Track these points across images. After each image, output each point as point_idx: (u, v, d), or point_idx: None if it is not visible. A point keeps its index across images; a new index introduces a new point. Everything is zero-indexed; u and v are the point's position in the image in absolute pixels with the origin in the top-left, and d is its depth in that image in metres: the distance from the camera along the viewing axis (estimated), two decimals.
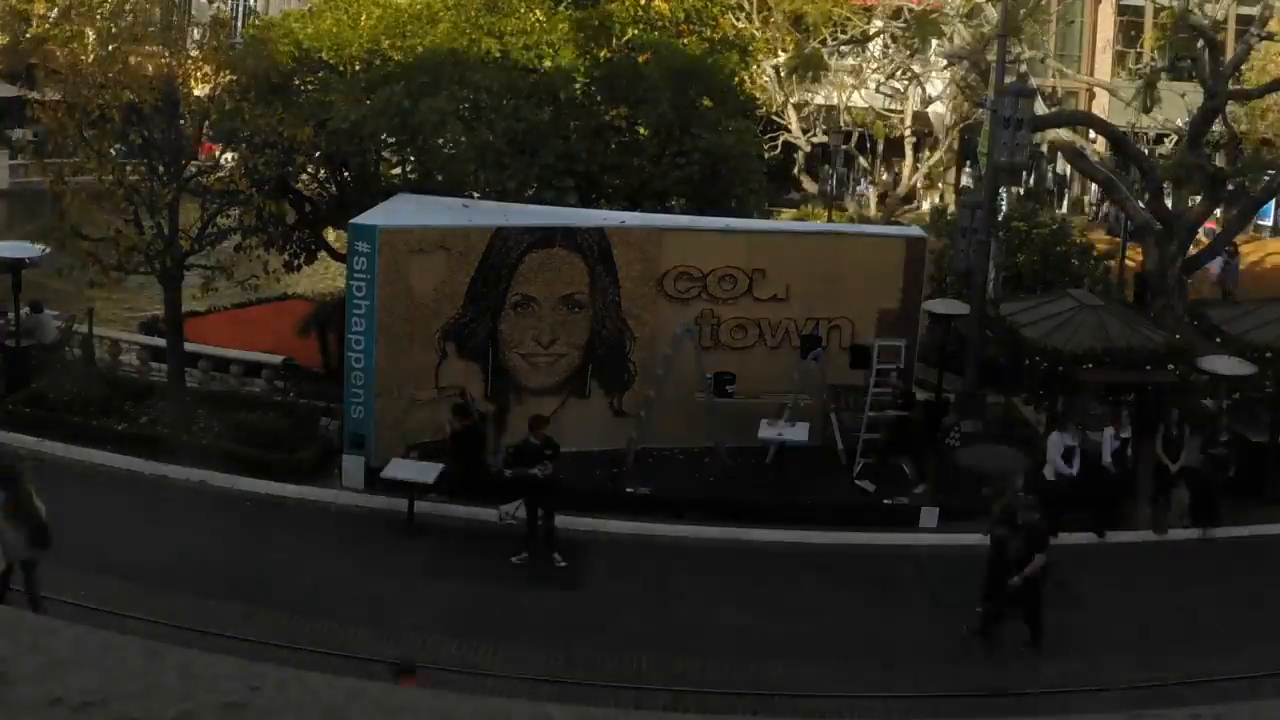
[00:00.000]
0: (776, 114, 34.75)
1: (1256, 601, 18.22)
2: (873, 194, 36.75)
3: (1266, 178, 25.92)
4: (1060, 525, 18.33)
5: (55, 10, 38.78)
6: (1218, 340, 22.02)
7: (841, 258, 21.64)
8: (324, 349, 24.43)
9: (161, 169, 20.25)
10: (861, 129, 36.54)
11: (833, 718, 15.21)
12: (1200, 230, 26.60)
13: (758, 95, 30.39)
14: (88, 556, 17.06)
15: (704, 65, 22.83)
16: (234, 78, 20.56)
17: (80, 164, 20.24)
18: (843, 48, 34.94)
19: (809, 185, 37.19)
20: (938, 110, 37.41)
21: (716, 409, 20.69)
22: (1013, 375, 22.30)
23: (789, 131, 35.60)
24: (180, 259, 20.59)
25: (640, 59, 22.55)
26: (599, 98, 22.58)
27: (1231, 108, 27.89)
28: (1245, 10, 30.63)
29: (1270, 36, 26.73)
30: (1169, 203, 27.06)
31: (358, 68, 22.50)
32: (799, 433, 20.27)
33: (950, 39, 28.43)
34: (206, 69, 19.95)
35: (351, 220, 20.07)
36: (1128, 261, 29.60)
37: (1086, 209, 41.97)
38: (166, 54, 20.47)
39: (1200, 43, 25.80)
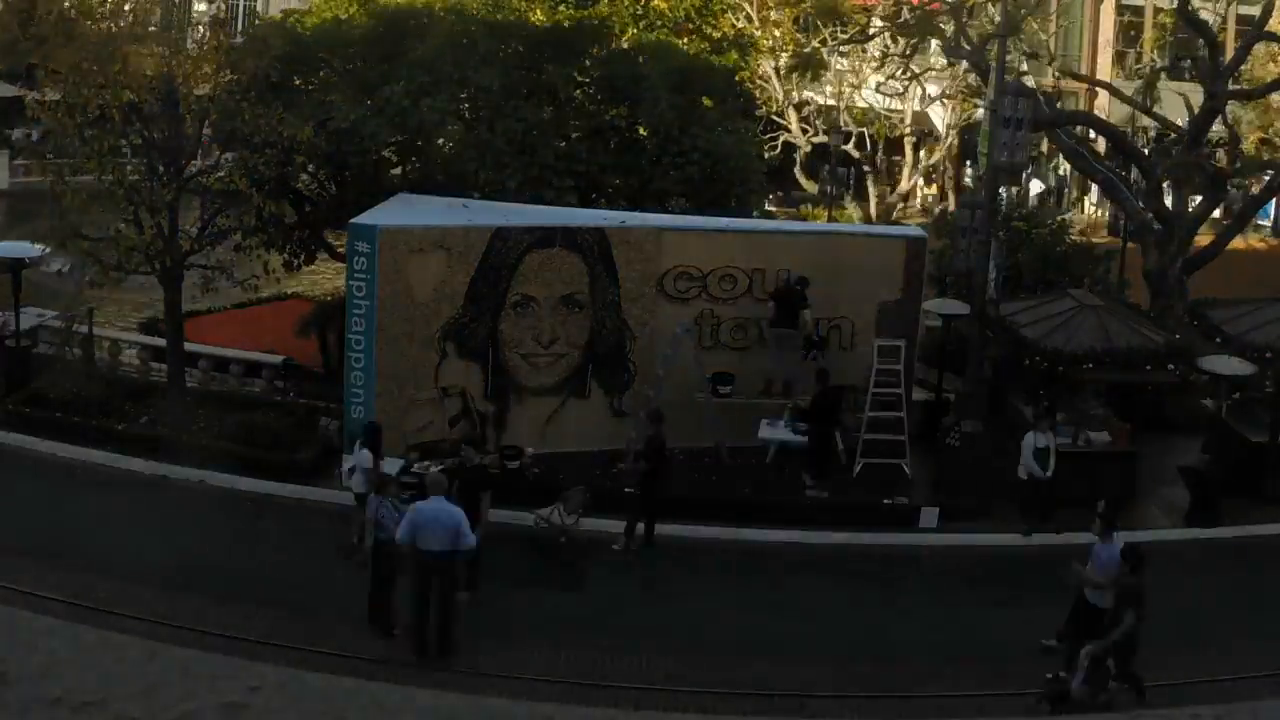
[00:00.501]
0: (777, 114, 34.75)
1: (1256, 602, 18.22)
2: (873, 194, 36.75)
3: (1266, 178, 25.92)
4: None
5: (55, 10, 38.79)
6: (1218, 340, 22.02)
7: (841, 257, 21.64)
8: (324, 349, 24.44)
9: (161, 169, 20.25)
10: (862, 129, 36.55)
11: (833, 718, 15.20)
12: None
13: (758, 95, 30.40)
14: (87, 556, 17.08)
15: (704, 65, 22.84)
16: (234, 77, 20.56)
17: (80, 164, 20.23)
18: (843, 48, 34.94)
19: (808, 185, 37.19)
20: (938, 110, 37.44)
21: (717, 409, 20.70)
22: (1010, 375, 22.33)
23: (789, 131, 35.61)
24: (180, 259, 20.59)
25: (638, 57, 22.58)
26: (599, 98, 22.58)
27: (1231, 107, 27.88)
28: (1245, 10, 30.64)
29: (1271, 37, 26.73)
30: (1169, 202, 27.08)
31: (361, 64, 22.48)
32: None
33: (952, 39, 28.44)
34: (206, 69, 19.93)
35: (351, 220, 20.07)
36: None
37: (1086, 209, 41.95)
38: (166, 54, 20.46)
39: (1200, 42, 25.81)
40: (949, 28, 28.33)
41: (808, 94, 34.04)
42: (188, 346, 22.62)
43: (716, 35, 25.39)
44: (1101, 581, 14.97)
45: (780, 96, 34.35)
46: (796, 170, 36.45)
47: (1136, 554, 14.70)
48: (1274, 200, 33.93)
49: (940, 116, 38.27)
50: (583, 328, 20.93)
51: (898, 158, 38.65)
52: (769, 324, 21.04)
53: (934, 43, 30.84)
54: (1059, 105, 33.26)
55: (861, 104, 36.03)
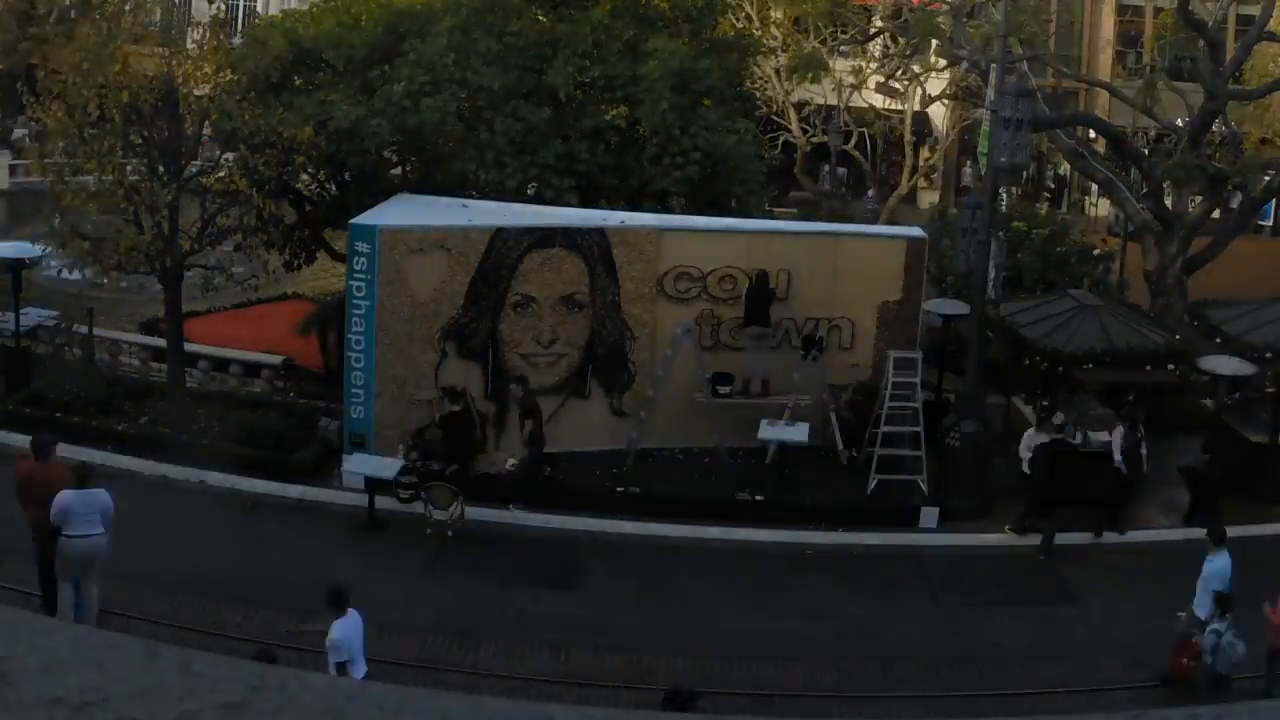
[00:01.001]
0: (777, 114, 34.75)
1: (1256, 602, 18.20)
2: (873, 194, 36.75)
3: (1266, 178, 25.92)
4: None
5: (55, 10, 38.82)
6: (1218, 340, 22.02)
7: (841, 257, 21.64)
8: (324, 349, 24.43)
9: (161, 169, 20.25)
10: (862, 129, 36.54)
11: (833, 718, 15.21)
12: None
13: (758, 95, 30.38)
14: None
15: (704, 65, 22.82)
16: (234, 78, 20.55)
17: (80, 164, 20.23)
18: (843, 48, 34.92)
19: (807, 186, 37.17)
20: (938, 110, 37.42)
21: (717, 409, 20.71)
22: (1013, 375, 22.33)
23: (789, 131, 35.61)
24: (180, 259, 20.59)
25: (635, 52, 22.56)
26: (599, 98, 22.56)
27: (1231, 107, 27.89)
28: (1245, 10, 30.64)
29: (1271, 37, 26.74)
30: (1169, 203, 27.09)
31: (360, 58, 22.45)
32: (799, 433, 20.25)
33: (951, 41, 28.44)
34: (206, 69, 19.93)
35: (351, 220, 20.08)
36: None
37: (1086, 209, 41.94)
38: (166, 54, 20.46)
39: (1200, 42, 25.81)
40: (948, 29, 28.33)
41: (808, 94, 34.00)
42: (188, 347, 22.61)
43: (716, 36, 25.35)
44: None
45: (780, 97, 34.36)
46: (796, 170, 36.47)
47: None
48: (1274, 200, 33.94)
49: (941, 117, 38.27)
50: (583, 328, 20.93)
51: (898, 158, 38.64)
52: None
53: (934, 42, 30.82)
54: (1064, 106, 33.28)
55: (861, 104, 36.01)
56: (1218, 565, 15.80)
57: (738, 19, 31.90)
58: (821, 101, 34.65)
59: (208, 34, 20.65)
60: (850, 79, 34.07)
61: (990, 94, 24.29)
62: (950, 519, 19.95)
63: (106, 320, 25.92)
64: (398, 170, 23.46)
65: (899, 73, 33.41)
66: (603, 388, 21.15)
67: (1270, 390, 21.70)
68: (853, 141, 35.20)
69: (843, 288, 21.46)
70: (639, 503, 19.73)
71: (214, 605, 16.07)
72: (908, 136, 35.67)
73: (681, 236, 21.15)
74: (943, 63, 31.97)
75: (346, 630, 13.16)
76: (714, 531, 19.36)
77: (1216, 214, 27.18)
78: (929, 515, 19.93)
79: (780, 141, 34.33)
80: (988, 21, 27.62)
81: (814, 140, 35.49)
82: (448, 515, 18.35)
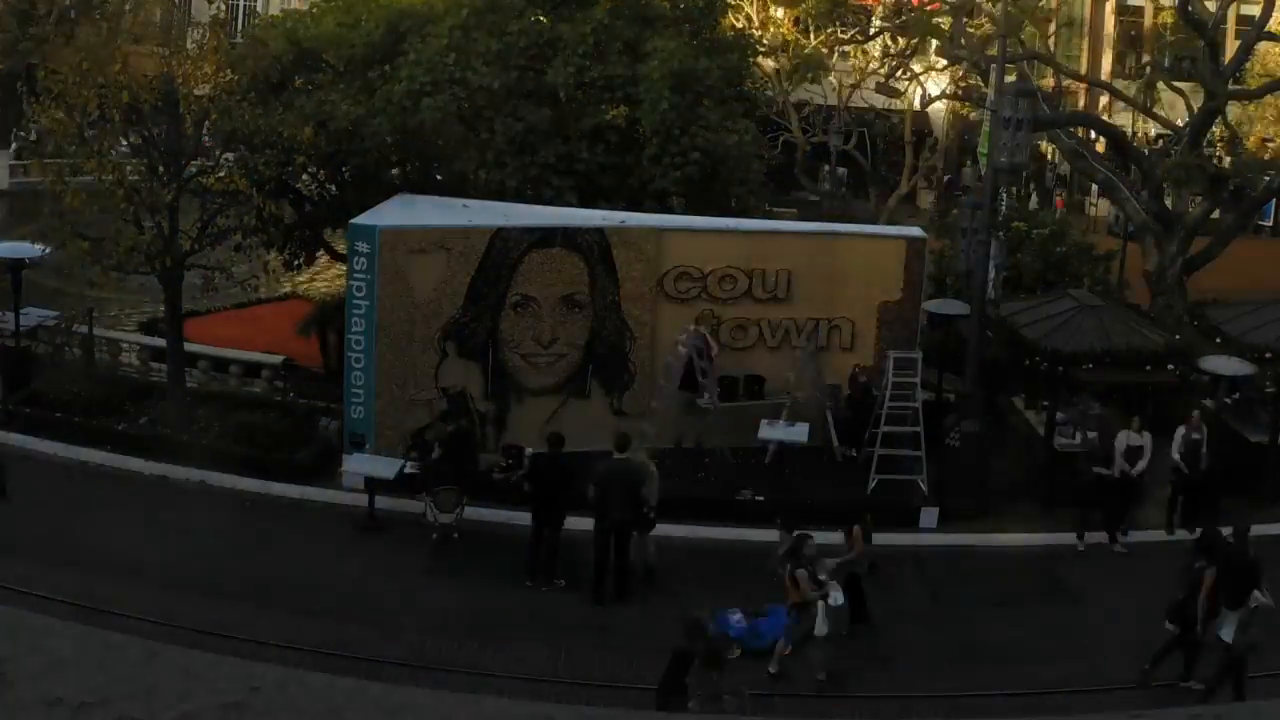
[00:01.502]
0: (777, 114, 34.75)
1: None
2: (873, 195, 36.71)
3: (1266, 178, 25.92)
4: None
5: (55, 10, 38.80)
6: (1218, 340, 22.02)
7: (841, 257, 21.63)
8: (324, 349, 24.43)
9: (161, 169, 20.24)
10: (862, 129, 36.54)
11: (833, 718, 15.20)
12: None
13: (757, 95, 30.39)
14: (87, 556, 17.09)
15: (704, 65, 22.82)
16: (234, 78, 20.55)
17: (80, 164, 20.22)
18: (843, 48, 34.91)
19: (807, 185, 37.15)
20: (938, 110, 37.41)
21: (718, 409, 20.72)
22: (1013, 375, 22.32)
23: (789, 131, 35.61)
24: (180, 259, 20.59)
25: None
26: (599, 98, 22.56)
27: (1231, 107, 27.89)
28: (1246, 10, 30.64)
29: (1271, 37, 26.73)
30: (1169, 203, 27.09)
31: (360, 58, 22.44)
32: (799, 433, 20.25)
33: (950, 42, 28.44)
34: (206, 69, 19.93)
35: (351, 220, 20.07)
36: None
37: (1086, 209, 41.93)
38: (166, 54, 20.45)
39: (1200, 42, 25.81)
40: (948, 29, 28.33)
41: (807, 94, 34.00)
42: (187, 347, 22.61)
43: (717, 36, 25.35)
44: None
45: (780, 97, 34.35)
46: (796, 170, 36.45)
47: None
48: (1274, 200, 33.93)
49: (940, 117, 38.28)
50: (583, 328, 20.92)
51: (898, 159, 38.61)
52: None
53: (934, 43, 30.82)
54: (1061, 107, 33.24)
55: (861, 104, 36.01)
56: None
57: (738, 19, 31.89)
58: (821, 101, 34.63)
59: (208, 34, 20.64)
60: (850, 79, 34.05)
61: (990, 94, 24.28)
62: (950, 519, 19.95)
63: (106, 320, 25.96)
64: (398, 170, 23.45)
65: (899, 73, 33.39)
66: (603, 388, 21.15)
67: (1270, 390, 21.69)
68: (853, 141, 35.17)
69: (843, 288, 21.46)
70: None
71: (214, 605, 16.06)
72: (908, 136, 35.66)
73: (681, 236, 21.14)
74: (943, 63, 31.95)
75: None
76: (714, 531, 19.36)
77: (1216, 214, 27.17)
78: (929, 515, 19.92)
79: (780, 141, 34.30)
80: (988, 21, 27.62)
81: (814, 140, 35.48)
82: (453, 518, 18.35)
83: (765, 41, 31.96)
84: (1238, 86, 27.76)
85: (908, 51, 32.99)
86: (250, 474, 19.84)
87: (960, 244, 23.56)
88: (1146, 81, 26.49)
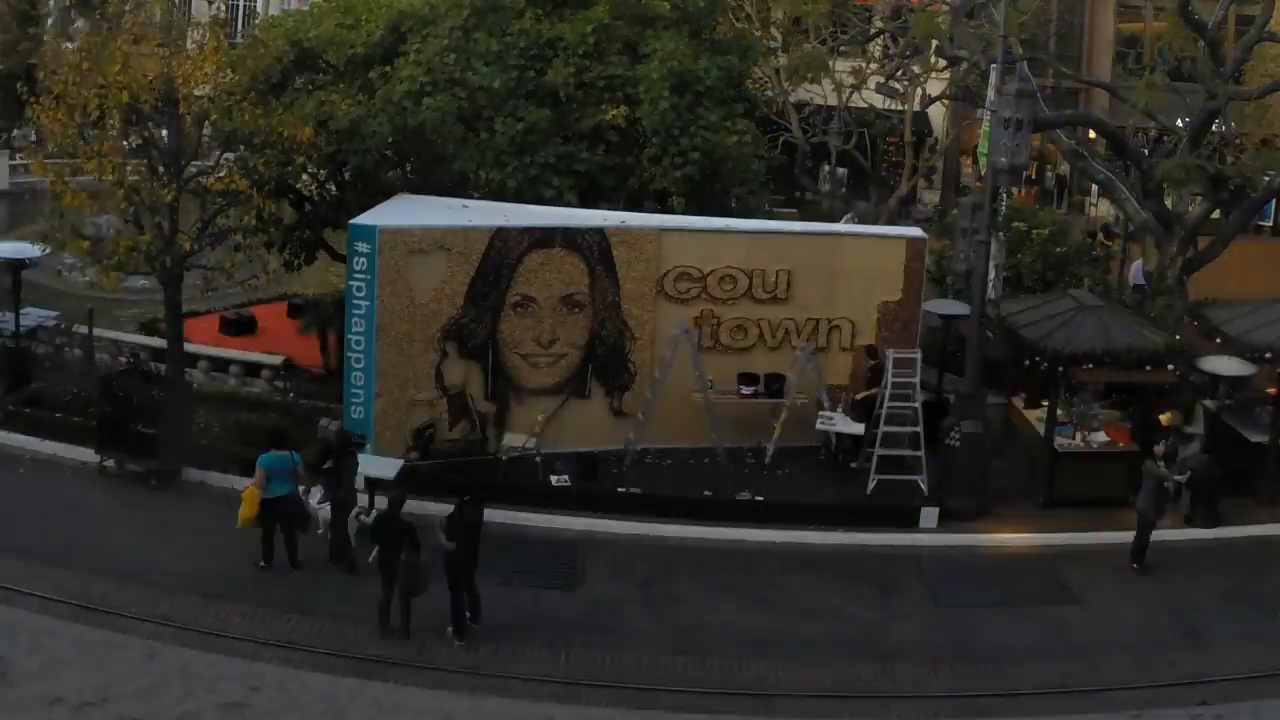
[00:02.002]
0: (777, 114, 34.71)
1: (1256, 602, 18.23)
2: (873, 195, 36.66)
3: (1266, 178, 25.89)
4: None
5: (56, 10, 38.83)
6: (1218, 340, 22.02)
7: (841, 258, 21.64)
8: (324, 349, 24.44)
9: (161, 169, 20.24)
10: (862, 129, 36.48)
11: (833, 718, 15.21)
12: None
13: (757, 95, 30.35)
14: (88, 557, 17.09)
15: (704, 65, 22.81)
16: (234, 78, 20.54)
17: (80, 164, 20.22)
18: (842, 48, 34.85)
19: (807, 186, 37.10)
20: (938, 110, 37.34)
21: (717, 409, 20.73)
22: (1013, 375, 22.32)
23: (789, 131, 35.54)
24: (180, 259, 20.59)
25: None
26: (599, 98, 22.53)
27: (1231, 107, 27.83)
28: (1246, 10, 30.60)
29: (1272, 37, 26.71)
30: (1169, 203, 27.05)
31: (360, 58, 22.43)
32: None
33: (951, 40, 28.38)
34: (207, 69, 19.92)
35: (351, 220, 20.08)
36: None
37: (1086, 209, 41.90)
38: (166, 54, 20.44)
39: (1200, 43, 25.78)
40: (948, 29, 28.29)
41: (808, 94, 33.94)
42: (187, 347, 22.61)
43: (717, 36, 25.31)
44: None
45: (780, 97, 34.31)
46: (796, 170, 36.39)
47: None
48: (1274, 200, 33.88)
49: (940, 116, 38.19)
50: (583, 328, 20.93)
51: (898, 159, 38.56)
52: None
53: (934, 43, 30.77)
54: (1064, 107, 33.21)
55: (861, 104, 35.94)
56: None
57: (738, 19, 31.87)
58: (821, 101, 34.59)
59: (208, 34, 20.63)
60: (850, 79, 34.01)
61: (990, 94, 24.25)
62: (950, 519, 19.96)
63: (106, 320, 25.96)
64: (397, 170, 23.45)
65: (899, 73, 33.34)
66: (603, 388, 21.16)
67: (1272, 390, 21.70)
68: (853, 142, 35.12)
69: (843, 288, 21.47)
70: (639, 503, 19.74)
71: (214, 605, 16.06)
72: (908, 137, 35.63)
73: (681, 236, 21.15)
74: (943, 63, 31.90)
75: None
76: (714, 531, 19.37)
77: (1216, 214, 27.13)
78: (929, 515, 19.94)
79: (780, 141, 34.26)
80: (988, 21, 27.58)
81: (814, 140, 35.43)
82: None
83: (766, 42, 31.93)
84: (1238, 86, 27.68)
85: (908, 52, 32.96)
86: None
87: (960, 244, 23.52)
88: (1146, 81, 26.43)
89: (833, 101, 34.35)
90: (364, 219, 19.89)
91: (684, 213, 22.14)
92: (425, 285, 19.92)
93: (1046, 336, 20.78)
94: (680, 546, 19.11)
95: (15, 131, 39.80)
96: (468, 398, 20.44)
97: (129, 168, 20.25)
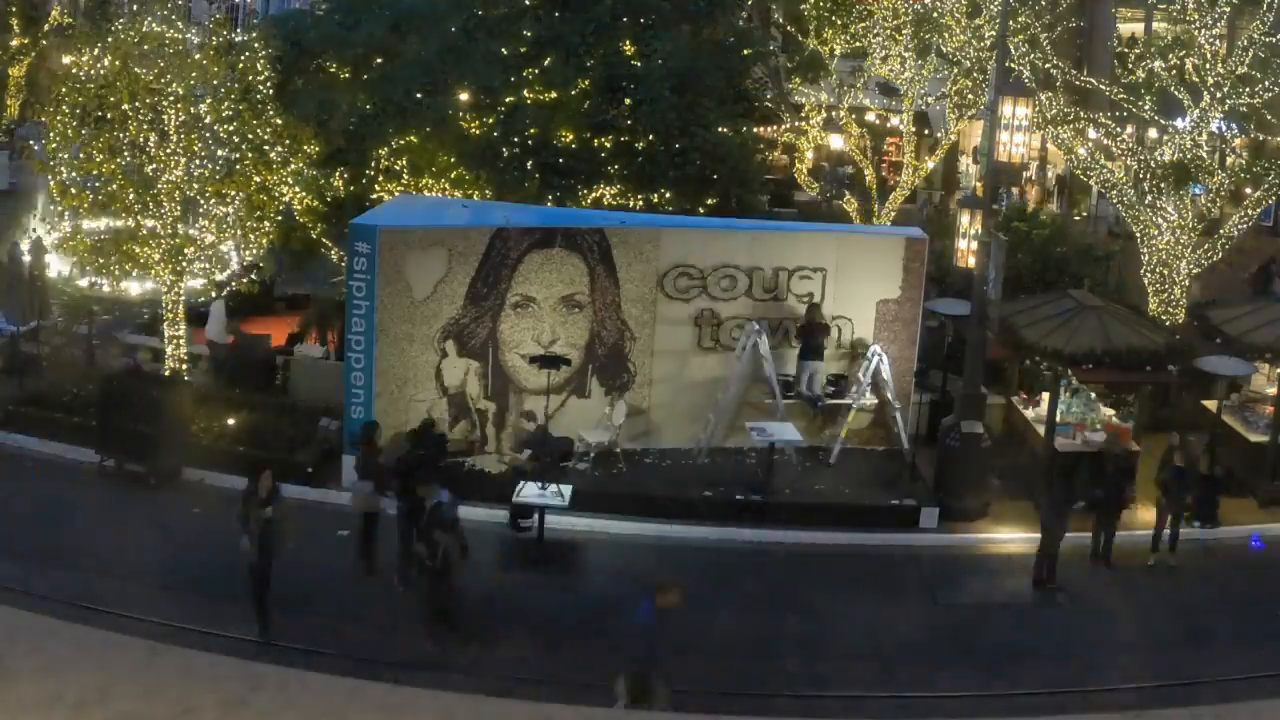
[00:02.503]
0: (777, 115, 34.71)
1: (1256, 602, 18.24)
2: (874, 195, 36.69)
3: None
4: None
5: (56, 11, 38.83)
6: (1218, 340, 22.03)
7: (841, 257, 21.65)
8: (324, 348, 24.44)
9: (161, 169, 20.25)
10: (862, 130, 36.52)
11: (833, 718, 15.21)
12: None
13: (757, 95, 30.39)
14: (87, 556, 17.10)
15: (704, 65, 22.84)
16: (234, 78, 20.56)
17: (80, 164, 20.24)
18: (841, 48, 34.88)
19: (808, 186, 37.11)
20: (937, 110, 37.36)
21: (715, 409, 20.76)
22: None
23: (789, 131, 35.57)
24: (180, 259, 20.59)
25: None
26: (599, 98, 22.58)
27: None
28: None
29: (1272, 37, 26.71)
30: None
31: (360, 58, 22.47)
32: (788, 431, 20.36)
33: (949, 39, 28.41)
34: (207, 69, 19.93)
35: (351, 220, 20.09)
36: None
37: (1086, 209, 41.95)
38: (166, 54, 20.45)
39: (1200, 43, 25.80)
40: (947, 29, 28.32)
41: (806, 94, 33.97)
42: (187, 347, 22.61)
43: (717, 37, 25.36)
44: None
45: (780, 97, 34.33)
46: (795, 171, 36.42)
47: None
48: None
49: (940, 117, 38.20)
50: (583, 328, 20.95)
51: (898, 159, 38.60)
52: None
53: (934, 43, 30.79)
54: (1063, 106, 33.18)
55: (861, 104, 36.00)
56: None
57: (738, 19, 31.89)
58: (821, 101, 34.59)
59: (208, 34, 20.64)
60: (850, 79, 34.02)
61: (990, 94, 24.26)
62: (950, 519, 19.97)
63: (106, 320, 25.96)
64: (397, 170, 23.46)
65: (898, 73, 33.36)
66: (603, 388, 21.18)
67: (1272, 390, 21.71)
68: (853, 142, 35.11)
69: (842, 287, 21.48)
70: (639, 502, 19.75)
71: (214, 605, 16.07)
72: (908, 137, 35.65)
73: (681, 236, 21.17)
74: (943, 64, 31.94)
75: None
76: (714, 531, 19.38)
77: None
78: (929, 515, 19.95)
79: (780, 141, 34.29)
80: (988, 22, 27.62)
81: (814, 140, 35.42)
82: None
83: (765, 43, 31.95)
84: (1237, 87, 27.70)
85: (908, 52, 32.96)
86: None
87: (959, 244, 23.51)
88: (1146, 82, 26.44)
89: (833, 101, 34.36)
90: (364, 219, 19.91)
91: (684, 212, 22.16)
92: (425, 285, 19.93)
93: (1046, 336, 20.79)
94: (679, 546, 19.11)
95: (17, 131, 39.81)
96: (467, 398, 20.45)
97: (129, 168, 20.27)
